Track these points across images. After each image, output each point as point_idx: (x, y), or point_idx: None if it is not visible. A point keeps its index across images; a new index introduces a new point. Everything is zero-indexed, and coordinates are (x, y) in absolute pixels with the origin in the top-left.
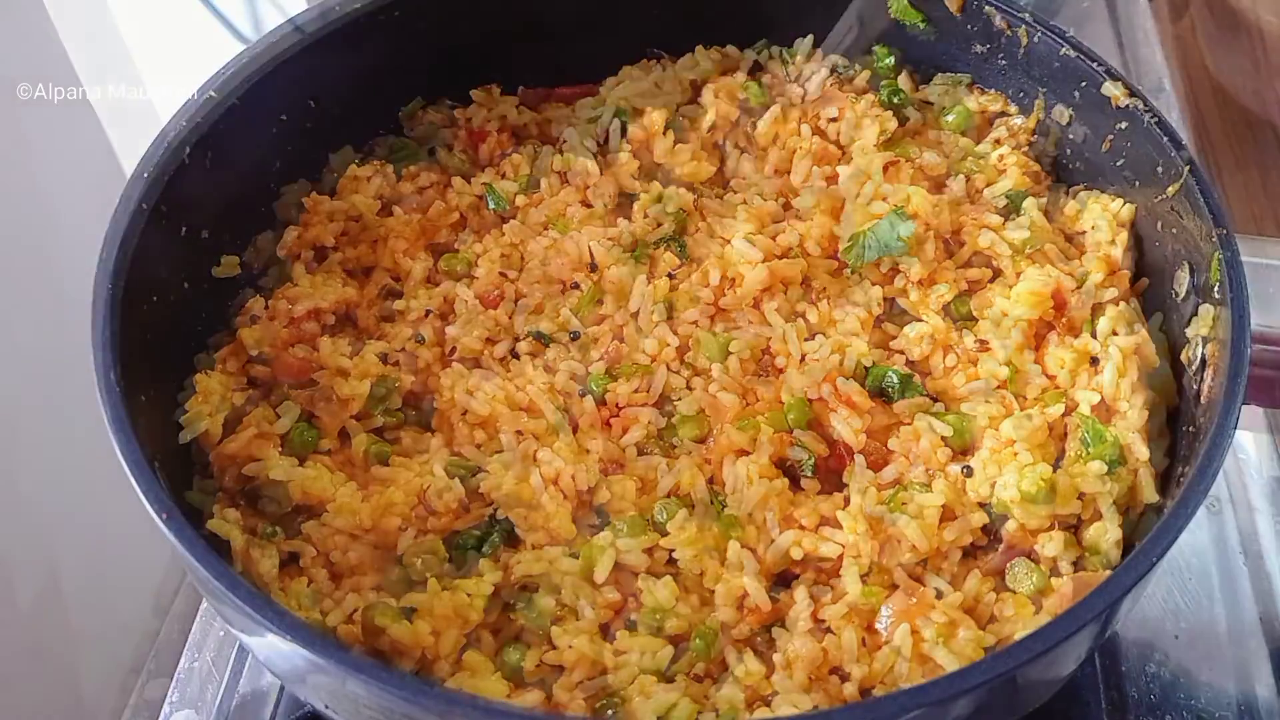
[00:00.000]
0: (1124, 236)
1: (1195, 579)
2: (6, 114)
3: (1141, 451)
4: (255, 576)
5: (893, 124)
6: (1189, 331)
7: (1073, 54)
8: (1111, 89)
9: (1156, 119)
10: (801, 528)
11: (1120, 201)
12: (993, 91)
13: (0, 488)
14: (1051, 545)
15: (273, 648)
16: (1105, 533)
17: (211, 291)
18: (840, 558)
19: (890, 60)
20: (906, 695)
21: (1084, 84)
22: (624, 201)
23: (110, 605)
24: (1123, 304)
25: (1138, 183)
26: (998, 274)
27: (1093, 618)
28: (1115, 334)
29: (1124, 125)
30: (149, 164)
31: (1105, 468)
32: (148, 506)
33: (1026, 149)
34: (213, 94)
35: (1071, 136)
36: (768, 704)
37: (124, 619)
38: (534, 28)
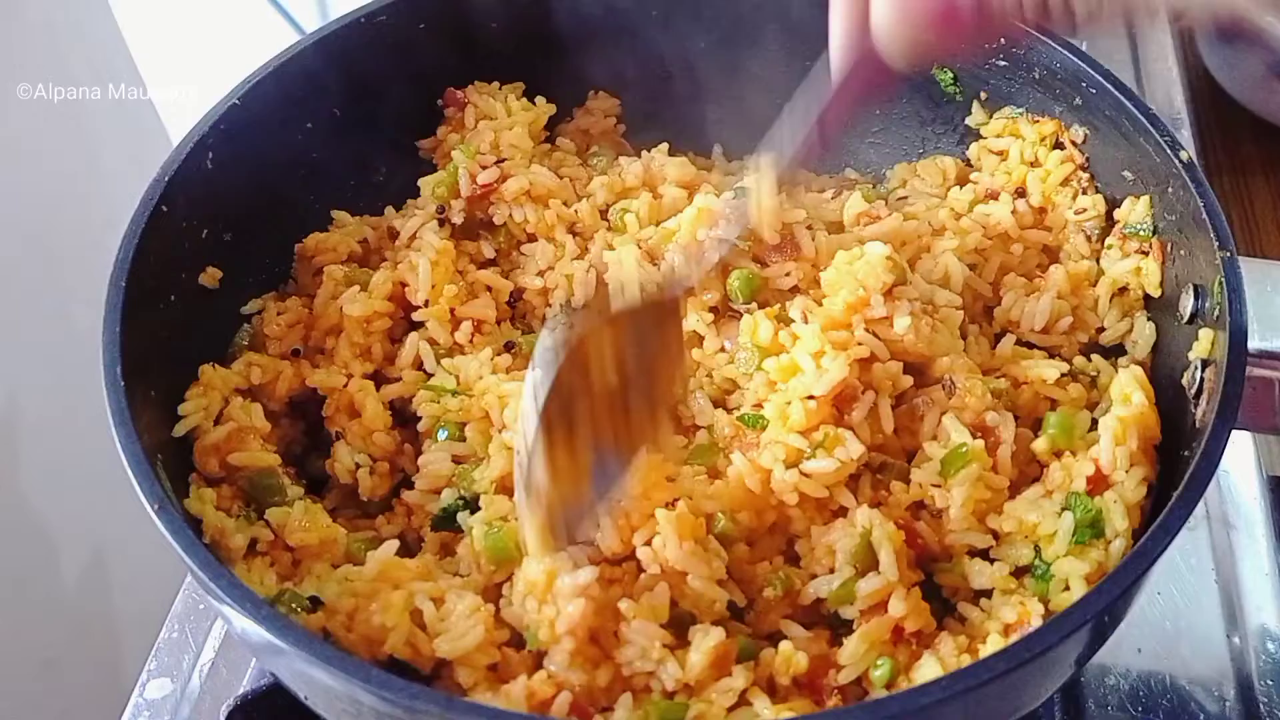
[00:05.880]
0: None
1: (1194, 579)
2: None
3: (1120, 524)
4: (223, 550)
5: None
6: (1190, 355)
7: (1086, 68)
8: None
9: (1169, 139)
10: None
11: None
12: (1045, 118)
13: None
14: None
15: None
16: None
17: (231, 294)
18: None
19: (950, 76)
20: (905, 696)
21: (1106, 110)
22: None
23: (110, 604)
24: (1133, 366)
25: (1148, 201)
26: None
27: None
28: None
29: (1137, 145)
30: (170, 166)
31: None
32: (141, 497)
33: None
34: (236, 101)
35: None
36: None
37: (124, 619)
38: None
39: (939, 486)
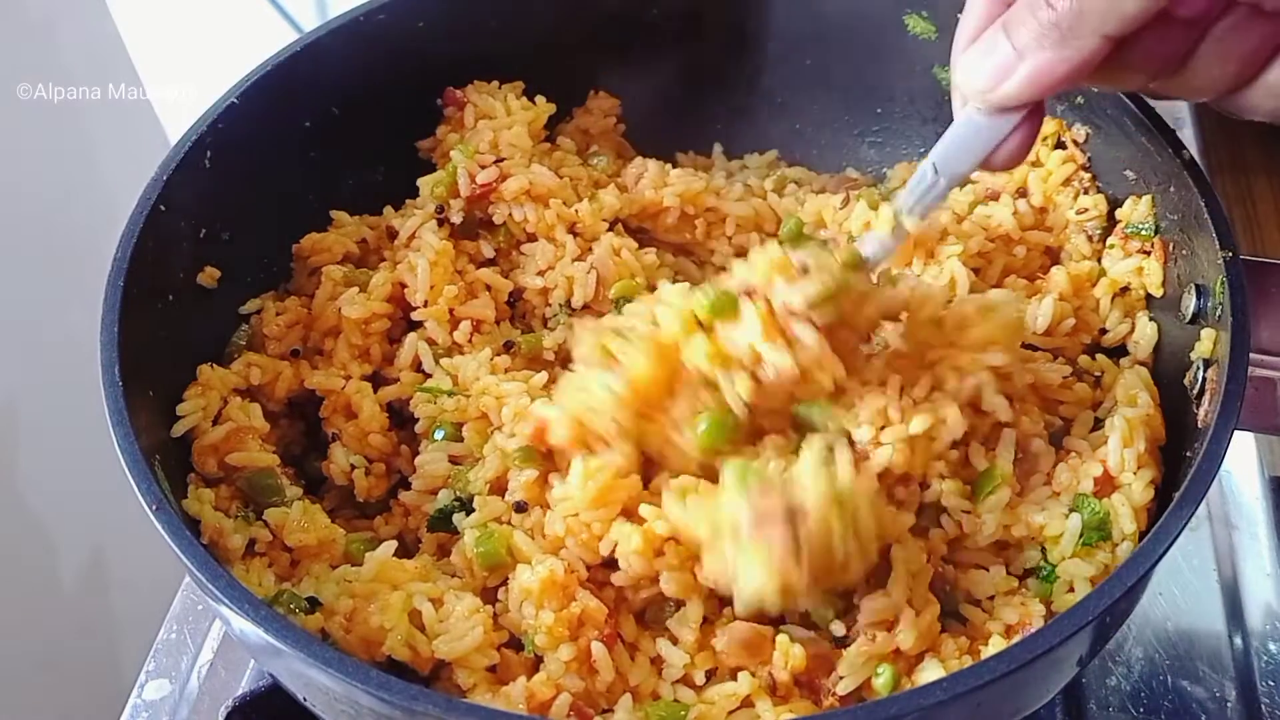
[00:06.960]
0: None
1: (1196, 579)
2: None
3: (1127, 526)
4: (221, 550)
5: None
6: (1192, 355)
7: None
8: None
9: (1171, 138)
10: None
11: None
12: (1046, 117)
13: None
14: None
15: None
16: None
17: (230, 294)
18: None
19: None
20: (906, 698)
21: (1107, 109)
22: None
23: (109, 605)
24: (1137, 367)
25: (1150, 201)
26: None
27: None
28: (1127, 403)
29: (1139, 144)
30: (168, 166)
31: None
32: (139, 497)
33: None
34: (235, 100)
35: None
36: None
37: (122, 619)
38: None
39: (969, 513)
